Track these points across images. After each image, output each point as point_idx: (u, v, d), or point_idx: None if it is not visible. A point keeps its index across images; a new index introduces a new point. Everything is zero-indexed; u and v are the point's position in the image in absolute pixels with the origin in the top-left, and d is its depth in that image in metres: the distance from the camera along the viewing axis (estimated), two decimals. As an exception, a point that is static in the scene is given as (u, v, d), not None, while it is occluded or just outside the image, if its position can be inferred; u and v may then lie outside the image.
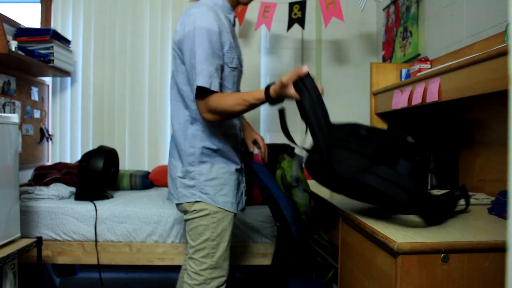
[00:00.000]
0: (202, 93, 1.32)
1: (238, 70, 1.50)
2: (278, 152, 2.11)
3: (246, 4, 1.55)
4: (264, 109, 3.08)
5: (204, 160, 1.42)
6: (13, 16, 2.56)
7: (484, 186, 1.60)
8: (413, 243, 0.88)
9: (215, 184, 1.43)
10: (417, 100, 1.73)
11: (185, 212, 1.47)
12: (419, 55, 2.27)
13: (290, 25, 2.70)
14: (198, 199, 1.41)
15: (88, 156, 2.24)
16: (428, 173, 1.77)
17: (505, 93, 1.26)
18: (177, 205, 1.49)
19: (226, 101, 1.31)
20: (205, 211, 1.41)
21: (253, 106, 1.33)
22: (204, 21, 1.33)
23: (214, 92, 1.32)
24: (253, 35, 3.00)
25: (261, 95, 1.31)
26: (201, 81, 1.30)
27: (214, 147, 1.43)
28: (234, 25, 1.53)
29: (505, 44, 1.29)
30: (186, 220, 1.47)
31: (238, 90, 1.55)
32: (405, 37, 2.50)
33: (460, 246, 0.89)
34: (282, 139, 2.96)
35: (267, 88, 1.30)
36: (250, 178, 1.53)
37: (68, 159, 2.98)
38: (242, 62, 1.56)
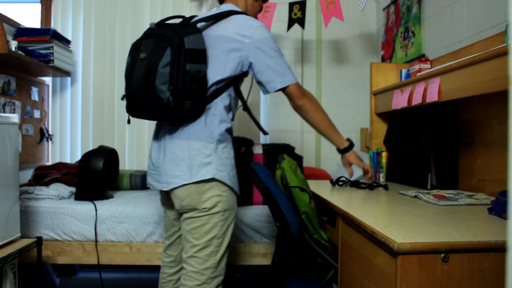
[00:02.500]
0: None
1: None
2: (278, 152, 2.11)
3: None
4: (264, 109, 3.08)
5: (222, 139, 1.46)
6: (13, 16, 2.56)
7: (484, 186, 1.60)
8: (413, 243, 0.88)
9: (230, 163, 1.47)
10: (417, 100, 1.73)
11: (189, 208, 1.42)
12: (423, 55, 2.27)
13: (290, 25, 2.70)
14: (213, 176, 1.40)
15: (88, 156, 2.24)
16: (429, 173, 1.77)
17: (505, 93, 1.26)
18: (178, 192, 1.42)
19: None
20: (218, 202, 1.42)
21: (327, 131, 1.58)
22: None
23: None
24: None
25: (342, 141, 1.64)
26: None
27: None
28: None
29: (505, 44, 1.29)
30: (188, 218, 1.42)
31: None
32: (406, 37, 2.50)
33: (460, 246, 0.89)
34: (282, 139, 2.97)
35: (350, 144, 1.65)
36: (250, 178, 1.53)
37: (68, 159, 2.98)
38: None
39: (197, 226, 1.41)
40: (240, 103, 1.61)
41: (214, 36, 1.46)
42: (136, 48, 1.41)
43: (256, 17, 1.67)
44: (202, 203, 1.40)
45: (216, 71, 1.43)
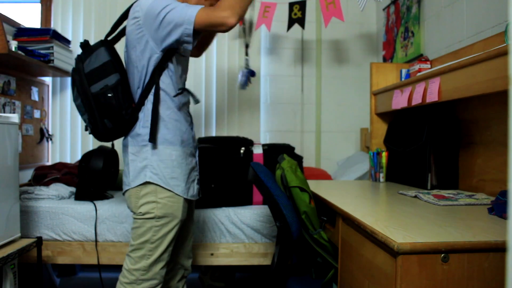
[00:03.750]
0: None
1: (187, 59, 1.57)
2: (278, 152, 2.11)
3: None
4: (264, 109, 3.08)
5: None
6: (13, 16, 2.56)
7: (484, 186, 1.60)
8: (413, 243, 0.88)
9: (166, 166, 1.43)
10: (417, 100, 1.73)
11: (131, 211, 1.46)
12: (421, 55, 2.27)
13: (290, 25, 2.70)
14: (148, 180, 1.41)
15: (88, 156, 2.24)
16: (429, 173, 1.77)
17: (505, 93, 1.26)
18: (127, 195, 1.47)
19: None
20: (151, 210, 1.41)
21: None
22: None
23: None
24: (253, 35, 3.00)
25: None
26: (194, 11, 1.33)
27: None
28: None
29: (505, 44, 1.29)
30: (132, 218, 1.47)
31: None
32: (406, 37, 2.51)
33: (460, 246, 0.89)
34: (282, 139, 2.96)
35: None
36: (250, 178, 1.53)
37: (68, 159, 2.98)
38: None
39: (134, 227, 1.45)
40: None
41: (127, 34, 1.44)
42: None
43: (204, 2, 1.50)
44: (138, 208, 1.42)
45: (135, 71, 1.42)
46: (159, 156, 1.41)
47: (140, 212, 1.42)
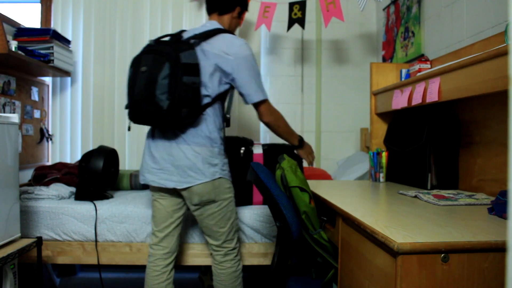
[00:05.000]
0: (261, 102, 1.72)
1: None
2: (278, 152, 2.11)
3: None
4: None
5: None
6: (13, 16, 2.56)
7: (484, 186, 1.60)
8: (413, 243, 0.88)
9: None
10: (417, 100, 1.73)
11: (209, 201, 1.68)
12: (422, 55, 2.27)
13: (290, 25, 2.70)
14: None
15: (88, 156, 2.24)
16: (429, 173, 1.77)
17: (505, 93, 1.26)
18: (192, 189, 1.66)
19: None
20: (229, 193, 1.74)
21: (286, 137, 1.86)
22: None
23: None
24: (253, 35, 3.00)
25: (295, 141, 1.90)
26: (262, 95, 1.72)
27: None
28: None
29: (505, 44, 1.29)
30: (208, 210, 1.70)
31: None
32: (406, 37, 2.51)
33: (460, 246, 0.89)
34: (281, 139, 2.95)
35: (300, 142, 1.92)
36: (250, 178, 1.53)
37: (68, 159, 2.98)
38: None
39: (220, 217, 1.73)
40: (233, 108, 1.87)
41: (204, 51, 1.65)
42: (137, 62, 1.61)
43: (235, 30, 1.90)
44: (219, 195, 1.70)
45: (205, 85, 1.64)
46: (222, 155, 1.74)
47: (222, 199, 1.71)
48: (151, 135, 1.74)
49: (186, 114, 1.55)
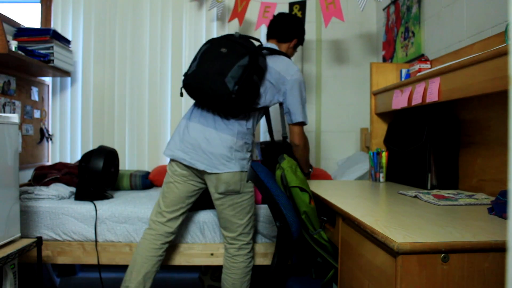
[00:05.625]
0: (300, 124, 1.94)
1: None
2: (276, 149, 2.11)
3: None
4: (264, 109, 3.08)
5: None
6: (13, 16, 2.56)
7: (484, 186, 1.60)
8: (413, 243, 0.88)
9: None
10: (417, 100, 1.73)
11: (233, 192, 1.76)
12: (422, 55, 2.27)
13: (290, 25, 2.70)
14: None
15: (88, 156, 2.24)
16: (429, 173, 1.77)
17: (505, 93, 1.26)
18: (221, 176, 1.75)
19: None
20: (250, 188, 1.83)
21: (302, 164, 1.98)
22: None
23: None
24: (253, 35, 3.00)
25: (307, 169, 2.07)
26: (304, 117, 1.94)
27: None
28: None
29: (505, 44, 1.29)
30: (230, 200, 1.78)
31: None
32: (406, 37, 2.50)
33: (460, 246, 0.89)
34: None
35: (309, 173, 2.10)
36: (250, 178, 1.53)
37: (68, 159, 2.98)
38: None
39: (241, 209, 1.81)
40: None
41: (268, 64, 1.85)
42: (217, 43, 1.75)
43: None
44: (243, 188, 1.79)
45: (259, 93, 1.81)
46: (250, 153, 1.89)
47: (245, 192, 1.81)
48: (189, 116, 1.83)
49: (241, 105, 1.69)
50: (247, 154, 1.82)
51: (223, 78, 1.63)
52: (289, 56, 1.99)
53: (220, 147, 1.73)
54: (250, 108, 1.79)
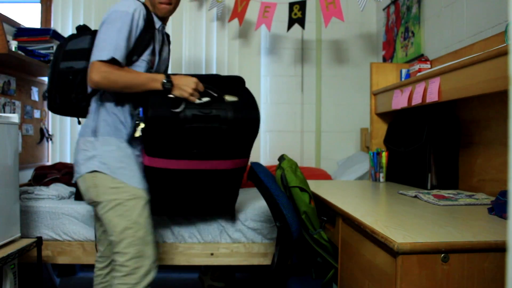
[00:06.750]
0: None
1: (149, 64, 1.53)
2: (225, 83, 1.66)
3: (163, 17, 1.59)
4: (264, 109, 3.08)
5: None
6: (13, 16, 2.56)
7: (484, 186, 1.60)
8: (413, 243, 0.88)
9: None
10: (417, 100, 1.73)
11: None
12: (422, 55, 2.27)
13: (290, 25, 2.70)
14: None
15: (88, 156, 2.24)
16: (429, 173, 1.78)
17: (505, 93, 1.26)
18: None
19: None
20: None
21: (140, 85, 1.42)
22: (121, 6, 1.42)
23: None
24: (253, 35, 3.00)
25: (158, 83, 1.41)
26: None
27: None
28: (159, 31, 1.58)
29: (505, 44, 1.29)
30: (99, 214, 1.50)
31: None
32: (406, 37, 2.51)
33: (460, 246, 0.89)
34: (282, 139, 2.92)
35: (167, 79, 1.41)
36: (250, 178, 1.53)
37: (68, 159, 2.98)
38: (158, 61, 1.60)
39: (108, 221, 1.48)
40: None
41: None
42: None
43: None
44: (101, 195, 1.46)
45: None
46: (107, 146, 1.56)
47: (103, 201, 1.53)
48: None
49: (58, 102, 1.59)
50: (94, 151, 1.46)
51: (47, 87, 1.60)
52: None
53: (76, 153, 1.53)
54: (71, 92, 1.53)
